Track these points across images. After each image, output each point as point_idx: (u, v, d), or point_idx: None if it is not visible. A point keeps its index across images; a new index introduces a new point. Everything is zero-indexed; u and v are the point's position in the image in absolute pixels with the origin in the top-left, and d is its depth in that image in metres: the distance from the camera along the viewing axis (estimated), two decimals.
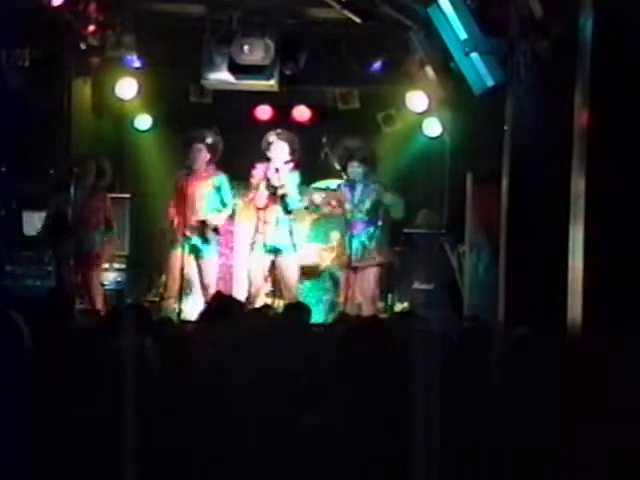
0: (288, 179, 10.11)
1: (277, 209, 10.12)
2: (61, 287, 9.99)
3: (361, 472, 2.92)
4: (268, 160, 10.21)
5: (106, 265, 10.93)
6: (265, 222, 10.11)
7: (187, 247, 10.09)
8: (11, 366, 3.66)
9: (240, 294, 10.05)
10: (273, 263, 10.19)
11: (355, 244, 10.07)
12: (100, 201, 10.47)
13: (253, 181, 10.21)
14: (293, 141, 10.20)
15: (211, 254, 10.29)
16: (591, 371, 3.50)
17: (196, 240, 10.14)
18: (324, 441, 2.95)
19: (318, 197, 10.53)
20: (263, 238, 10.08)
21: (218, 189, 10.23)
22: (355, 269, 10.18)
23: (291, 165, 10.19)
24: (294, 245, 10.18)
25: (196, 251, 10.18)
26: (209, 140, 10.24)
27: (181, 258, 10.02)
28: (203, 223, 10.12)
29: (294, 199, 10.10)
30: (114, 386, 3.49)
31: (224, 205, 10.30)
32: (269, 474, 3.12)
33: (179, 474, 3.35)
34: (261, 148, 10.22)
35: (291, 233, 10.14)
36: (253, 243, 10.17)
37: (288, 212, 10.06)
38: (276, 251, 10.12)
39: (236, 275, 11.38)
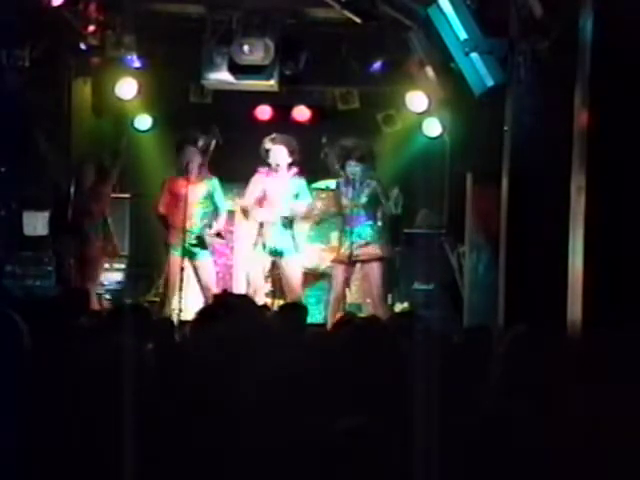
0: (296, 186, 10.18)
1: (278, 212, 10.16)
2: (74, 287, 9.99)
3: (363, 471, 2.92)
4: (269, 166, 10.25)
5: (106, 265, 10.94)
6: (267, 224, 10.14)
7: (182, 251, 10.12)
8: (10, 366, 3.66)
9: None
10: (274, 264, 10.23)
11: (354, 238, 10.06)
12: (100, 201, 10.47)
13: (254, 189, 10.27)
14: (289, 143, 10.24)
15: (205, 256, 10.30)
16: (591, 371, 3.49)
17: (191, 245, 10.15)
18: (332, 441, 2.95)
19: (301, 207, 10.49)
20: (265, 240, 10.12)
21: (211, 194, 10.25)
22: (354, 263, 10.18)
23: (294, 171, 10.23)
24: (296, 247, 10.24)
25: (190, 254, 10.18)
26: (201, 142, 10.26)
27: (179, 262, 10.07)
28: (199, 239, 10.17)
29: (305, 203, 10.22)
30: (113, 386, 3.49)
31: (218, 210, 10.32)
32: (271, 475, 3.12)
33: (179, 474, 3.35)
34: (260, 156, 10.27)
35: (293, 236, 10.20)
36: (255, 245, 10.20)
37: (290, 223, 10.16)
38: (278, 253, 10.16)
39: (236, 275, 11.40)
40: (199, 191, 10.25)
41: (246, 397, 3.56)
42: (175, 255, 10.15)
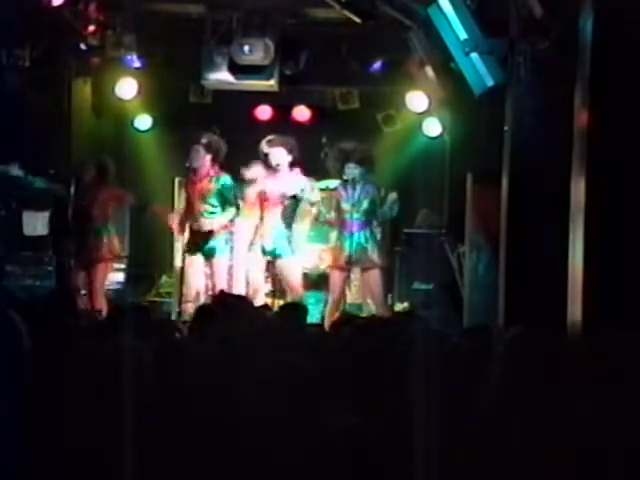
0: (298, 185, 10.16)
1: (276, 213, 10.16)
2: (64, 287, 10.00)
3: (363, 470, 2.92)
4: (268, 166, 10.24)
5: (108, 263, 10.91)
6: (264, 225, 10.13)
7: (196, 250, 10.13)
8: (9, 366, 3.66)
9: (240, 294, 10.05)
10: (271, 264, 10.23)
11: (354, 245, 10.05)
12: (102, 200, 10.46)
13: (249, 178, 10.25)
14: (287, 143, 10.21)
15: (224, 253, 10.31)
16: (591, 371, 3.49)
17: (206, 243, 10.15)
18: (332, 441, 2.95)
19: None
20: (261, 240, 10.12)
21: (221, 191, 10.22)
22: (351, 269, 10.20)
23: (297, 171, 10.22)
24: (292, 249, 10.23)
25: (208, 252, 10.18)
26: (204, 140, 10.22)
27: (194, 262, 10.09)
28: (210, 233, 10.14)
29: (309, 197, 10.21)
30: (111, 385, 3.49)
31: (228, 205, 10.26)
32: (272, 475, 3.11)
33: (177, 474, 3.35)
34: (260, 158, 10.26)
35: (289, 238, 10.18)
36: (251, 244, 10.20)
37: (289, 224, 10.15)
38: (274, 254, 10.16)
39: (236, 275, 11.39)
40: (209, 190, 10.22)
41: (245, 397, 3.56)
42: (190, 255, 10.18)
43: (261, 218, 10.23)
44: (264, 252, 10.14)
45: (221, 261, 10.29)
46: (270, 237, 10.11)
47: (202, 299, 10.20)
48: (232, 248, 11.46)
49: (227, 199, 10.20)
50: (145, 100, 12.06)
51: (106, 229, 10.45)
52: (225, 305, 6.28)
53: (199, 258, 10.21)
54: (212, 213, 10.23)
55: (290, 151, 10.21)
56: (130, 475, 3.21)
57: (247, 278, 10.37)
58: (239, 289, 10.63)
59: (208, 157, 10.23)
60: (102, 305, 9.99)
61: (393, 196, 10.11)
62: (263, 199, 10.25)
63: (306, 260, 10.86)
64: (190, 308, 9.90)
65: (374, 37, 10.81)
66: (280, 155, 10.20)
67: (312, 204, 10.37)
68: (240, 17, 10.73)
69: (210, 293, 10.14)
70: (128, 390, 3.46)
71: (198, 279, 10.27)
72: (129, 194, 10.62)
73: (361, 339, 4.68)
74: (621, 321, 5.93)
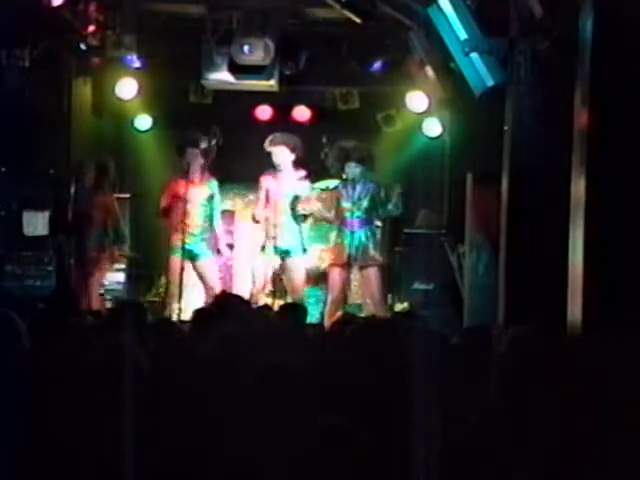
0: (301, 189, 10.18)
1: (286, 213, 10.18)
2: (64, 287, 10.00)
3: (368, 469, 2.92)
4: (274, 168, 10.27)
5: (107, 266, 10.91)
6: (275, 226, 10.15)
7: (182, 253, 10.14)
8: (9, 366, 3.66)
9: (241, 294, 10.05)
10: (281, 266, 10.24)
11: (354, 242, 10.09)
12: (102, 201, 10.45)
13: (260, 194, 10.27)
14: (289, 141, 10.25)
15: (207, 257, 10.32)
16: (591, 371, 3.49)
17: (192, 245, 10.16)
18: (332, 441, 2.95)
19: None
20: (274, 241, 10.13)
21: (212, 196, 10.29)
22: (352, 266, 10.21)
23: (301, 174, 10.24)
24: (303, 246, 10.27)
25: (191, 255, 10.21)
26: (203, 145, 10.25)
27: (179, 263, 10.08)
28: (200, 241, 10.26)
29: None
30: (111, 385, 3.49)
31: (213, 213, 10.33)
32: (271, 475, 3.12)
33: (175, 473, 3.35)
34: (265, 157, 10.29)
35: (300, 233, 10.24)
36: (264, 246, 10.22)
37: (296, 219, 10.18)
38: (286, 253, 10.18)
39: (236, 275, 11.39)
40: (201, 193, 10.26)
41: (244, 397, 3.56)
42: (177, 256, 10.16)
43: (269, 219, 10.26)
44: (276, 251, 10.17)
45: (205, 263, 10.30)
46: (281, 236, 10.14)
47: (201, 299, 10.22)
48: (231, 247, 11.49)
49: (214, 206, 10.29)
50: (145, 100, 12.06)
51: (104, 230, 10.44)
52: (224, 306, 6.27)
53: (183, 260, 10.21)
54: (206, 216, 10.28)
55: (293, 150, 10.24)
56: (130, 474, 3.21)
57: (253, 277, 10.37)
58: (240, 289, 10.64)
59: (202, 161, 10.29)
60: (101, 305, 9.99)
61: (397, 190, 10.15)
62: (266, 199, 10.29)
63: (307, 260, 10.87)
64: (173, 308, 9.92)
65: (374, 37, 10.82)
66: (282, 154, 10.22)
67: (305, 216, 10.40)
68: (240, 17, 10.72)
69: (207, 293, 10.17)
70: (127, 389, 3.46)
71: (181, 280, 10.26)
72: (118, 219, 10.58)
73: (361, 339, 4.68)
74: (621, 321, 5.93)
